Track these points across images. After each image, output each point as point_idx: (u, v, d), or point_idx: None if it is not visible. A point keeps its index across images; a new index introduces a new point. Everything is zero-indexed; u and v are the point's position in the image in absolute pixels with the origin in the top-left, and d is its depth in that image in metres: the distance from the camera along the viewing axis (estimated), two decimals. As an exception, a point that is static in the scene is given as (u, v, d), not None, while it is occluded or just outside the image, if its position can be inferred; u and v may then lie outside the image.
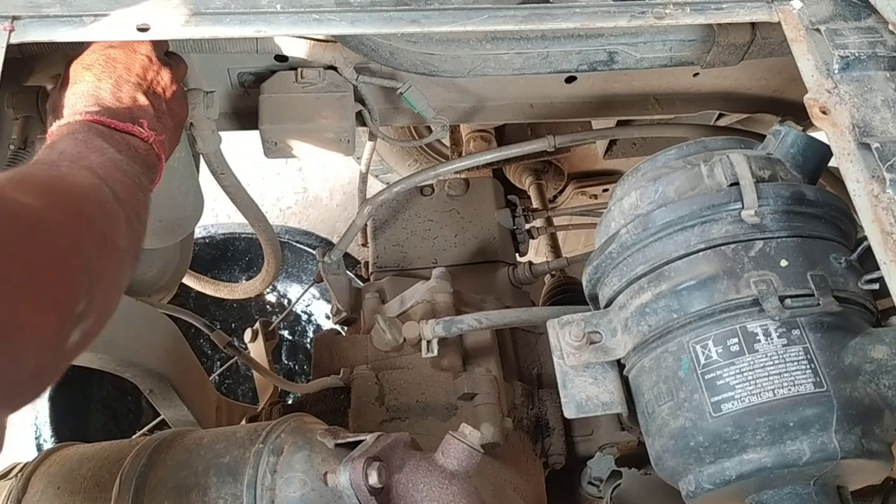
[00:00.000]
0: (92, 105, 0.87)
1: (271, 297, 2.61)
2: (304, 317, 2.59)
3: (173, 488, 0.94)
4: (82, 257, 0.65)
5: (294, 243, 2.42)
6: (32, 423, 2.13)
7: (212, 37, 0.96)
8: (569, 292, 1.70)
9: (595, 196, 2.31)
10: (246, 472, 0.91)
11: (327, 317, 2.51)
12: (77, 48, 0.95)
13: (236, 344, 1.43)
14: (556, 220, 2.14)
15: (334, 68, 1.25)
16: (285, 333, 2.56)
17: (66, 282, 0.63)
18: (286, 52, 1.22)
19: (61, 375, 0.67)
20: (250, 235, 2.44)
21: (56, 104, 0.89)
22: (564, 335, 0.99)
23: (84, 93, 0.88)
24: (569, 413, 0.97)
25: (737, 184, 0.92)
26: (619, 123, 1.59)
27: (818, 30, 0.97)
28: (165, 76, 0.97)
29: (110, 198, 0.74)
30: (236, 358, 2.00)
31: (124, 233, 0.74)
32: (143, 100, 0.91)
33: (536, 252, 2.20)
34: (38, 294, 0.59)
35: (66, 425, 2.13)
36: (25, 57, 1.04)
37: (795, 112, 1.45)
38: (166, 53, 1.03)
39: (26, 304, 0.57)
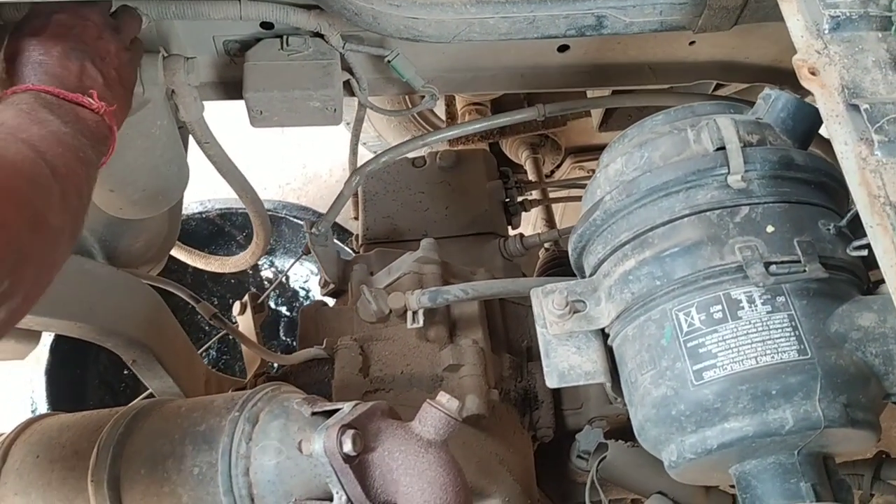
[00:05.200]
0: (40, 74, 0.84)
1: (268, 273, 2.60)
2: (303, 293, 2.58)
3: (150, 456, 0.94)
4: (7, 236, 0.64)
5: (291, 218, 2.41)
6: (29, 396, 2.13)
7: (189, -3, 0.94)
8: (563, 265, 1.68)
9: (592, 171, 2.28)
10: (221, 441, 0.90)
11: (326, 293, 2.50)
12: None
13: (223, 317, 1.41)
14: (553, 195, 2.12)
15: (321, 36, 1.22)
16: (283, 309, 2.55)
17: None
18: (270, 18, 1.19)
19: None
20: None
21: (5, 70, 0.87)
22: (548, 303, 0.97)
23: (32, 61, 0.85)
24: (551, 382, 0.96)
25: (723, 148, 0.90)
26: (614, 94, 1.56)
27: (809, -11, 0.94)
28: (115, 42, 0.94)
29: (45, 173, 0.72)
30: (224, 333, 2.00)
31: (58, 210, 0.73)
32: (92, 69, 0.88)
33: (534, 226, 2.18)
34: None
35: (63, 400, 2.13)
36: (6, 22, 1.02)
37: (795, 81, 1.42)
38: (115, 13, 0.99)
39: None
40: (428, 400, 0.88)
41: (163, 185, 1.26)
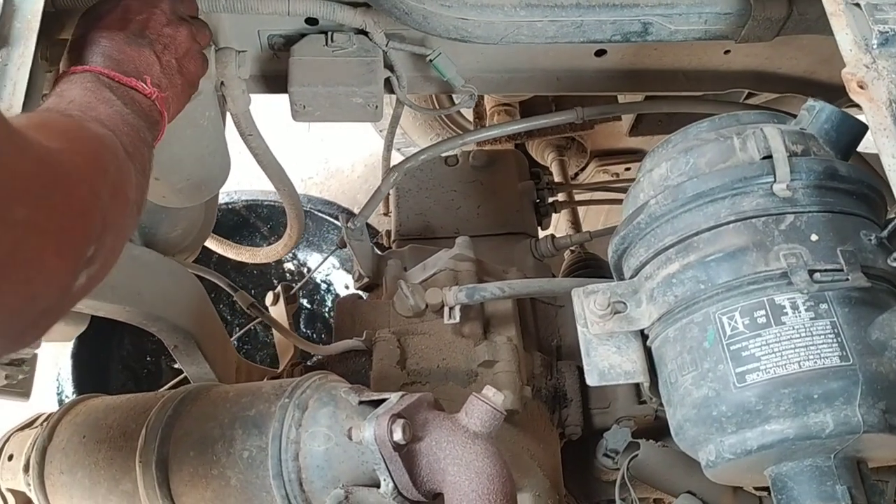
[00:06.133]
0: (99, 56, 0.87)
1: (291, 266, 2.62)
2: (324, 286, 2.60)
3: (199, 439, 0.96)
4: (98, 205, 0.67)
5: (316, 212, 2.43)
6: (55, 378, 2.16)
7: (247, -8, 0.96)
8: (588, 268, 1.71)
9: (617, 174, 2.30)
10: (271, 426, 0.92)
11: (346, 287, 2.52)
12: None
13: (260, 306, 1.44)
14: (578, 197, 2.14)
15: (365, 33, 1.24)
16: (304, 302, 2.57)
17: (83, 228, 0.64)
18: (317, 15, 1.21)
19: (66, 315, 0.69)
20: (273, 202, 2.45)
21: (69, 51, 0.90)
22: (589, 303, 0.99)
23: (94, 43, 0.88)
24: (591, 381, 0.98)
25: (769, 157, 0.92)
26: (647, 99, 1.58)
27: (857, 4, 0.95)
28: (182, 33, 0.97)
29: (121, 150, 0.75)
30: (254, 323, 2.03)
31: (133, 185, 0.76)
32: (150, 56, 0.91)
33: (556, 228, 2.20)
34: (58, 240, 0.60)
35: (88, 382, 2.16)
36: (59, 11, 1.05)
37: (826, 93, 1.44)
38: (192, 17, 1.03)
39: (48, 249, 0.59)
40: (474, 393, 0.90)
41: (206, 175, 1.28)
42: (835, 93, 1.37)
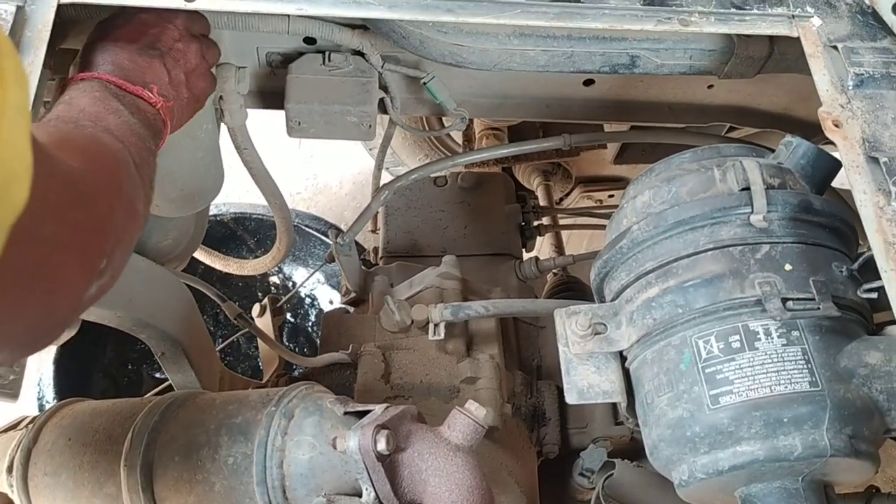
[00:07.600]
0: (108, 64, 0.89)
1: (276, 279, 2.63)
2: (308, 301, 2.61)
3: (184, 444, 0.97)
4: (113, 220, 0.70)
5: (303, 227, 2.45)
6: (36, 384, 2.16)
7: (254, 11, 0.99)
8: (570, 290, 1.74)
9: (600, 201, 2.35)
10: (257, 433, 0.94)
11: (330, 302, 2.54)
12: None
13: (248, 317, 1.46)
14: (563, 222, 2.17)
15: (361, 54, 1.28)
16: (288, 316, 2.58)
17: (100, 243, 0.67)
18: (315, 35, 1.25)
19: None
20: (261, 216, 2.47)
21: (81, 56, 0.92)
22: (571, 324, 1.02)
23: (105, 51, 0.91)
24: (570, 399, 1.01)
25: (748, 189, 0.96)
26: (632, 129, 1.62)
27: (835, 47, 1.00)
28: (192, 49, 0.99)
29: (132, 163, 0.78)
30: (238, 335, 2.04)
31: (142, 197, 0.78)
32: (160, 68, 0.93)
33: (540, 251, 2.23)
34: (78, 255, 0.63)
35: (69, 388, 2.15)
36: (63, 20, 1.07)
37: (802, 130, 1.49)
38: (203, 36, 1.06)
39: (69, 263, 0.62)
40: (457, 407, 0.92)
41: (200, 186, 1.30)
42: (811, 130, 1.42)
